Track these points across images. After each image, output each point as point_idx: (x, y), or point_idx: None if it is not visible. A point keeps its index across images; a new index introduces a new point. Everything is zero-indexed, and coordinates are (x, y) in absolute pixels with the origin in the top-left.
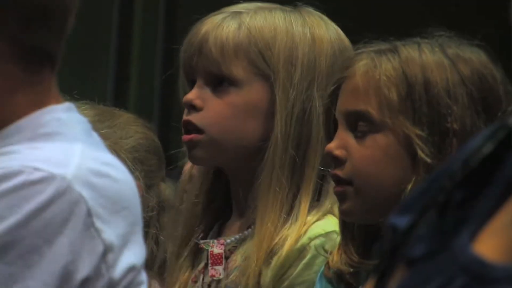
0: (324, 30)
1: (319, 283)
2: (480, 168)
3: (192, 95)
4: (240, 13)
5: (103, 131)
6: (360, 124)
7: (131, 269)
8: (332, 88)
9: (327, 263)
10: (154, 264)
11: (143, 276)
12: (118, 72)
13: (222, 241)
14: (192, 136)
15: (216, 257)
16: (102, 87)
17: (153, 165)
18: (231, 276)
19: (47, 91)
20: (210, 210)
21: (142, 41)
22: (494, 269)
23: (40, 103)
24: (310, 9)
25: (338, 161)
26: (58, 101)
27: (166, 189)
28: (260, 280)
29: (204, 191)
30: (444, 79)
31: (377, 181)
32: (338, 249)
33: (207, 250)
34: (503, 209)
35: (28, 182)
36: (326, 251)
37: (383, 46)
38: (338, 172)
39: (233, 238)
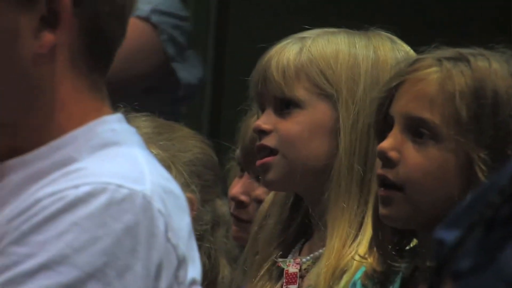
0: (389, 49)
1: None
2: None
3: (260, 121)
4: (304, 38)
5: (161, 143)
6: (421, 130)
7: (193, 283)
8: (392, 85)
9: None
10: (206, 279)
11: None
12: None
13: (298, 260)
14: (266, 159)
15: (291, 276)
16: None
17: (209, 180)
18: None
19: (102, 98)
20: (290, 230)
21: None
22: None
23: (95, 112)
24: (380, 32)
25: (390, 163)
26: (110, 111)
27: (222, 205)
28: None
29: (285, 211)
30: (511, 105)
31: (429, 191)
32: (373, 249)
33: (284, 269)
34: None
35: (114, 200)
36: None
37: (451, 53)
38: (388, 174)
39: (308, 257)
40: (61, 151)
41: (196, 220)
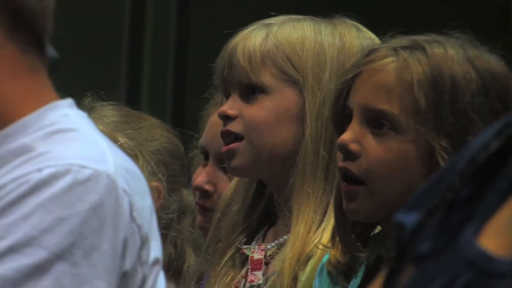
0: (355, 36)
1: (318, 277)
2: (486, 165)
3: (226, 107)
4: (270, 24)
5: (128, 131)
6: (381, 122)
7: (156, 261)
8: (349, 76)
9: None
10: (171, 268)
11: (162, 272)
12: (130, 77)
13: (262, 246)
14: (231, 145)
15: (256, 263)
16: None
17: (176, 169)
18: (269, 282)
19: (44, 82)
20: (254, 217)
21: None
22: (499, 263)
23: (41, 97)
24: (345, 19)
25: (351, 155)
26: (57, 97)
27: (188, 195)
28: (297, 284)
29: (249, 197)
30: (470, 90)
31: (392, 183)
32: (335, 239)
33: (248, 256)
34: (507, 205)
35: (78, 181)
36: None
37: (407, 42)
38: (350, 166)
39: (273, 244)
40: (14, 139)
41: (162, 209)
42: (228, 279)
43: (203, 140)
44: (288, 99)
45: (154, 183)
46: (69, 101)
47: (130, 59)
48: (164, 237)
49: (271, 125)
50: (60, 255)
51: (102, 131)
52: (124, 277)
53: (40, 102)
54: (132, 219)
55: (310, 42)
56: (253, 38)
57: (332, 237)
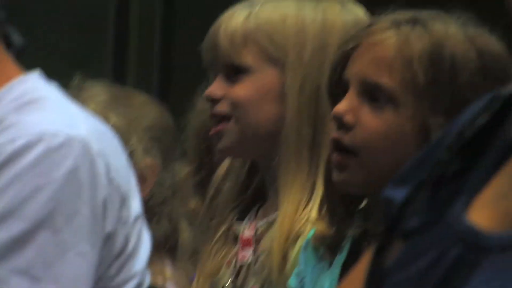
0: (338, 12)
1: (303, 252)
2: (475, 139)
3: (211, 88)
4: (252, 4)
5: (119, 109)
6: (378, 95)
7: (138, 218)
8: (348, 48)
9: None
10: (167, 243)
11: (146, 230)
12: (116, 60)
13: (253, 224)
14: (218, 127)
15: (246, 240)
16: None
17: (169, 145)
18: (259, 259)
19: (9, 63)
20: (247, 194)
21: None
22: (488, 238)
23: (8, 73)
24: None
25: (345, 126)
26: (24, 71)
27: (181, 168)
28: (287, 262)
29: (242, 174)
30: (469, 70)
31: (385, 156)
32: (322, 212)
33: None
34: (495, 178)
35: (51, 148)
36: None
37: (408, 16)
38: (343, 137)
39: (263, 221)
40: None
41: (158, 185)
42: (221, 255)
43: None
44: (270, 78)
45: (149, 160)
46: (36, 74)
47: (116, 39)
48: (159, 213)
49: (254, 104)
50: (41, 224)
51: (94, 110)
52: (107, 239)
53: (7, 78)
54: (110, 179)
55: (291, 20)
56: (235, 19)
57: (319, 210)
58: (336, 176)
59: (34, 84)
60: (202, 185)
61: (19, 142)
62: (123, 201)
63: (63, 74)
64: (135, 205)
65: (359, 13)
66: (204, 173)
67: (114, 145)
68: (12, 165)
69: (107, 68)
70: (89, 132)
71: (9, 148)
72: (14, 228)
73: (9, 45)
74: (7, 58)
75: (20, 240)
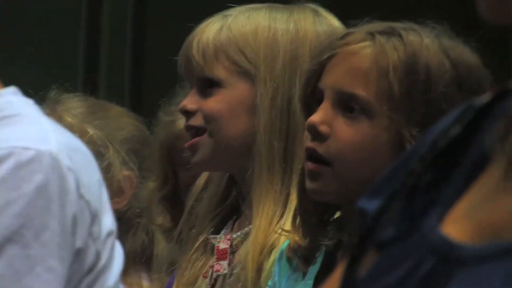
0: (311, 23)
1: (278, 263)
2: (448, 150)
3: (185, 102)
4: (226, 16)
5: (96, 122)
6: (353, 106)
7: (110, 234)
8: (323, 58)
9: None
10: (144, 255)
11: (119, 245)
12: (87, 67)
13: (229, 236)
14: (193, 140)
15: (221, 252)
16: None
17: (146, 157)
18: (234, 271)
19: None
20: (225, 205)
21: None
22: (462, 249)
23: None
24: (308, 5)
25: (320, 136)
26: (1, 86)
27: (147, 184)
28: (261, 274)
29: (222, 185)
30: (444, 81)
31: (359, 167)
32: (296, 223)
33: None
34: (469, 190)
35: (21, 163)
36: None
37: (383, 27)
38: (317, 147)
39: (238, 233)
40: None
41: (135, 197)
42: (200, 265)
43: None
44: (241, 91)
45: (126, 172)
46: (12, 89)
47: (88, 50)
48: (136, 225)
49: (227, 117)
50: (10, 238)
51: (71, 123)
52: (77, 254)
53: None
54: (80, 195)
55: (263, 32)
56: (208, 31)
57: (293, 220)
58: (309, 184)
59: (9, 99)
60: (167, 200)
61: None
62: (94, 217)
63: (39, 86)
64: (107, 221)
65: (334, 23)
66: (169, 188)
67: (86, 161)
68: None
69: (79, 80)
70: (60, 148)
71: None
72: None
73: None
74: None
75: None
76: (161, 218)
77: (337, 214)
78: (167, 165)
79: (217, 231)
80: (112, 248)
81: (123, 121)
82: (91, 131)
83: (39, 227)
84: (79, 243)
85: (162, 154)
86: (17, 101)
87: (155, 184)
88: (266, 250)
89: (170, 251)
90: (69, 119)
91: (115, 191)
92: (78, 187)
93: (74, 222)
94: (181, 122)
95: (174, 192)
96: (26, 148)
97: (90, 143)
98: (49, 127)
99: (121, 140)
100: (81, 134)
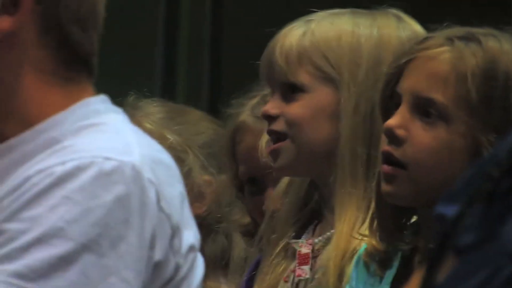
0: (394, 28)
1: (355, 268)
2: None
3: (268, 106)
4: (309, 21)
5: (175, 127)
6: (430, 110)
7: (191, 249)
8: (401, 62)
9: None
10: (223, 259)
11: (200, 257)
12: (165, 72)
13: (310, 241)
14: (275, 145)
15: (303, 257)
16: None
17: (225, 160)
18: (316, 276)
19: (79, 85)
20: (306, 210)
21: (190, 40)
22: None
23: (76, 95)
24: (389, 10)
25: (396, 140)
26: (92, 94)
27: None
28: (343, 280)
29: (302, 190)
30: None
31: (434, 172)
32: (373, 227)
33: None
34: None
35: (103, 172)
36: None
37: (462, 32)
38: (394, 151)
39: (320, 238)
40: (45, 134)
41: (216, 202)
42: (281, 269)
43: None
44: (325, 97)
45: (206, 177)
46: (101, 97)
47: (166, 57)
48: (217, 230)
49: (309, 123)
50: (86, 246)
51: (150, 130)
52: (156, 267)
53: (73, 100)
54: (160, 208)
55: (346, 38)
56: (291, 36)
57: (370, 224)
58: (384, 187)
59: (97, 107)
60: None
61: (70, 164)
62: (175, 231)
63: (114, 93)
64: (189, 236)
65: (416, 28)
66: (236, 182)
67: (169, 174)
68: (63, 186)
69: (157, 86)
70: (142, 160)
71: (60, 169)
72: (59, 247)
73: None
74: (81, 80)
75: (64, 259)
76: (238, 215)
77: (414, 219)
78: (231, 158)
79: (297, 236)
80: (193, 262)
81: (201, 126)
82: (170, 137)
83: (117, 238)
84: (158, 256)
85: (227, 146)
86: (104, 109)
87: (226, 178)
88: (347, 256)
89: (248, 253)
90: (148, 125)
91: (195, 196)
92: (158, 200)
93: (153, 235)
94: (245, 114)
95: (240, 186)
96: (108, 159)
97: (170, 149)
98: (133, 139)
99: (200, 145)
100: (161, 140)
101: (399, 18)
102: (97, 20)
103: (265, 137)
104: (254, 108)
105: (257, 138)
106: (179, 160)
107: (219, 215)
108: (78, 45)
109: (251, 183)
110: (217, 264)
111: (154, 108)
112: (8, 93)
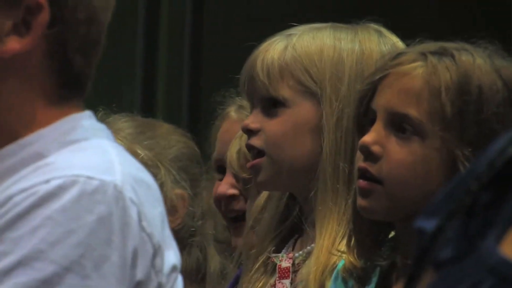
0: (376, 43)
1: (334, 283)
2: (505, 170)
3: (248, 120)
4: (290, 35)
5: (145, 142)
6: (405, 126)
7: (174, 269)
8: (375, 78)
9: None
10: (199, 273)
11: (180, 278)
12: (145, 85)
13: (291, 254)
14: (255, 161)
15: (283, 271)
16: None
17: (196, 173)
18: None
19: (73, 108)
20: (285, 225)
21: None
22: None
23: (62, 110)
24: (370, 25)
25: (372, 157)
26: (78, 111)
27: (210, 198)
28: None
29: (281, 205)
30: (496, 101)
31: (410, 187)
32: (351, 243)
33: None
34: None
35: (85, 192)
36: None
37: (435, 47)
38: (370, 167)
39: (301, 252)
40: (29, 148)
41: (189, 216)
42: (260, 284)
43: (217, 154)
44: (306, 112)
45: (178, 191)
46: (87, 113)
47: (145, 67)
48: (190, 244)
49: (290, 139)
50: (69, 268)
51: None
52: (138, 287)
53: (60, 114)
54: (141, 228)
55: (328, 52)
56: (272, 51)
57: (348, 241)
58: (359, 201)
59: (81, 123)
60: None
61: (54, 183)
62: (157, 250)
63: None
64: (171, 256)
65: (397, 43)
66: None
67: (149, 194)
68: (45, 206)
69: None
70: (124, 179)
71: (43, 189)
72: (42, 270)
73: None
74: (74, 99)
75: (47, 282)
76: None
77: (391, 234)
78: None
79: (278, 250)
80: (174, 284)
81: (171, 139)
82: (141, 152)
83: (99, 259)
84: (140, 275)
85: (214, 136)
86: (88, 125)
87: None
88: (328, 270)
89: (224, 266)
90: (119, 141)
91: (168, 210)
92: (140, 219)
93: (135, 254)
94: (232, 108)
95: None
96: (91, 178)
97: (141, 164)
98: (115, 156)
99: (171, 159)
100: (132, 156)
101: (380, 33)
102: (99, 49)
103: (235, 147)
104: (241, 107)
105: (234, 127)
106: (151, 175)
107: (193, 229)
108: (78, 70)
109: (218, 171)
110: (192, 278)
111: (123, 124)
112: (2, 108)
